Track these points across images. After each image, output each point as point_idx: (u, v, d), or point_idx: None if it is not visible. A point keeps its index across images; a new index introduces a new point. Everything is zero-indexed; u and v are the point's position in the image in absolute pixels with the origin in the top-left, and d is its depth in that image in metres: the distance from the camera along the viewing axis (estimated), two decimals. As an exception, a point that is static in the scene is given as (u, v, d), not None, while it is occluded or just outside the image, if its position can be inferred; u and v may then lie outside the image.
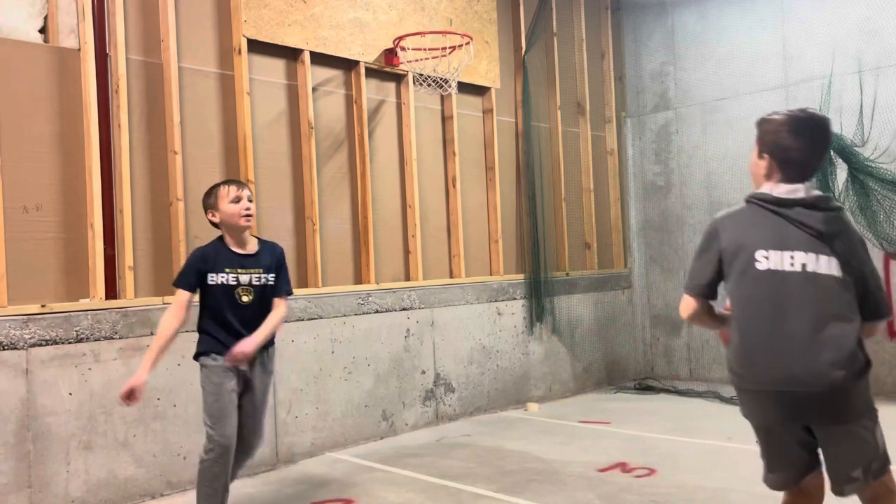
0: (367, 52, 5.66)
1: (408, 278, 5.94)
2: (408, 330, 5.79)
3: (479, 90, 6.59)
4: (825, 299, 2.28)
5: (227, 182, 3.68)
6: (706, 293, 2.47)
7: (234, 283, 3.56)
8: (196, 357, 3.62)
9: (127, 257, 4.40)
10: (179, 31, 4.72)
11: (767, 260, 2.32)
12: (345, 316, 5.37)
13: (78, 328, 4.12)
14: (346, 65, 5.62)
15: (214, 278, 3.52)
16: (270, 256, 3.70)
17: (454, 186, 6.31)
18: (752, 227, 2.39)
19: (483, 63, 6.48)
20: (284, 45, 5.19)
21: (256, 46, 5.07)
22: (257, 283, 3.61)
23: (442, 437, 5.56)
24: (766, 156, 2.45)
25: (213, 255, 3.56)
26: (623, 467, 4.58)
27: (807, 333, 2.28)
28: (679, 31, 7.64)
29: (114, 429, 4.22)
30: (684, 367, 7.59)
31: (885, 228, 6.11)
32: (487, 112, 6.65)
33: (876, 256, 6.35)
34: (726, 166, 7.20)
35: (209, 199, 3.65)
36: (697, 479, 4.28)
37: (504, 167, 6.76)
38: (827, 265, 2.29)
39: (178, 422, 4.46)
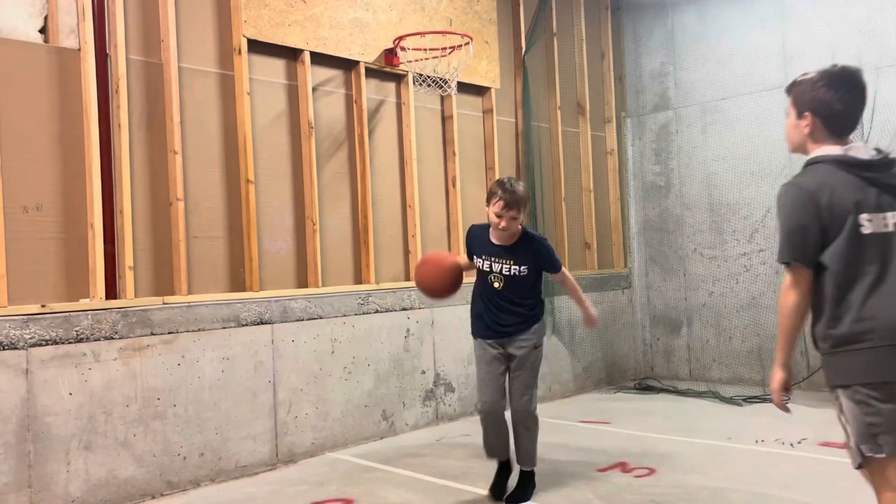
0: (367, 52, 5.66)
1: (408, 278, 5.94)
2: (408, 330, 5.79)
3: (479, 90, 6.59)
4: None
5: (503, 194, 3.85)
6: (814, 263, 2.36)
7: (488, 269, 4.01)
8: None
9: (127, 257, 4.40)
10: (179, 31, 4.72)
11: (871, 223, 2.30)
12: (345, 316, 5.37)
13: (78, 328, 4.12)
14: (346, 65, 5.62)
15: (477, 261, 4.04)
16: (526, 249, 3.98)
17: (454, 186, 6.31)
18: (846, 190, 2.33)
19: (483, 63, 6.48)
20: (284, 45, 5.19)
21: (256, 46, 5.07)
22: (507, 273, 3.97)
23: (442, 437, 5.56)
24: (807, 114, 2.42)
25: (478, 239, 4.07)
26: (623, 467, 4.58)
27: None
28: (679, 31, 7.64)
29: (114, 429, 4.22)
30: (684, 367, 7.59)
31: (885, 228, 6.10)
32: (487, 112, 6.65)
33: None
34: (726, 166, 7.20)
35: (488, 192, 3.99)
36: (697, 479, 4.28)
37: (504, 167, 6.75)
38: None
39: (178, 422, 4.47)
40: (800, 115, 2.45)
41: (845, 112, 2.38)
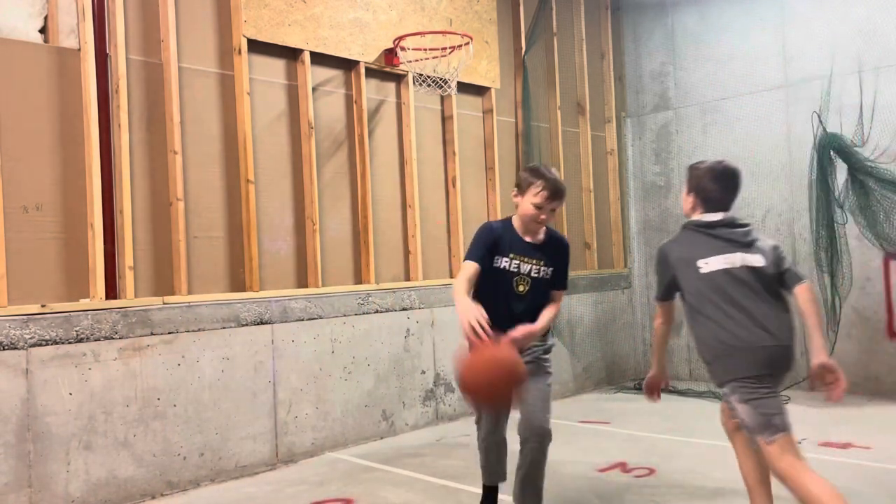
0: (367, 52, 5.66)
1: (408, 278, 5.94)
2: (408, 330, 5.79)
3: (479, 90, 6.59)
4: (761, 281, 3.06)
5: (546, 183, 3.35)
6: (669, 298, 3.34)
7: (515, 270, 3.41)
8: None
9: (127, 257, 4.40)
10: (179, 31, 4.72)
11: (707, 265, 3.07)
12: (345, 316, 5.37)
13: (78, 328, 4.12)
14: (346, 65, 5.62)
15: (499, 261, 3.38)
16: (555, 249, 3.49)
17: (454, 186, 6.31)
18: (693, 244, 3.14)
19: (483, 63, 6.48)
20: (284, 45, 5.19)
21: (256, 46, 5.07)
22: (535, 275, 3.42)
23: (442, 437, 5.56)
24: (692, 194, 3.23)
25: (502, 236, 3.41)
26: (623, 467, 4.58)
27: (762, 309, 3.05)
28: (679, 32, 7.64)
29: (114, 429, 4.22)
30: (684, 367, 7.59)
31: (884, 228, 6.11)
32: (487, 112, 6.64)
33: (875, 256, 6.37)
34: (726, 166, 7.19)
35: (522, 180, 3.44)
36: (697, 479, 4.28)
37: (504, 167, 6.75)
38: (752, 259, 3.06)
39: (178, 422, 4.47)
40: (688, 193, 3.25)
41: (717, 199, 3.16)
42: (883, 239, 6.14)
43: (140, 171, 4.54)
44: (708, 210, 3.18)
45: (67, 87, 4.29)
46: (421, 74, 5.69)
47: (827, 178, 6.35)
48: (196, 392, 4.56)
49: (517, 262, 3.41)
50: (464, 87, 6.31)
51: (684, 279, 3.12)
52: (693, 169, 3.30)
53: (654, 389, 3.50)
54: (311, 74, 5.34)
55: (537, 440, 3.44)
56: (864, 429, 5.27)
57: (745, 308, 2.98)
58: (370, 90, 5.76)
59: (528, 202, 3.36)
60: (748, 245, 3.08)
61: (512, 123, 6.89)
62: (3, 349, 3.86)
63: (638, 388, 7.19)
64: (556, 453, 4.95)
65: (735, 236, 3.11)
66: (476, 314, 2.95)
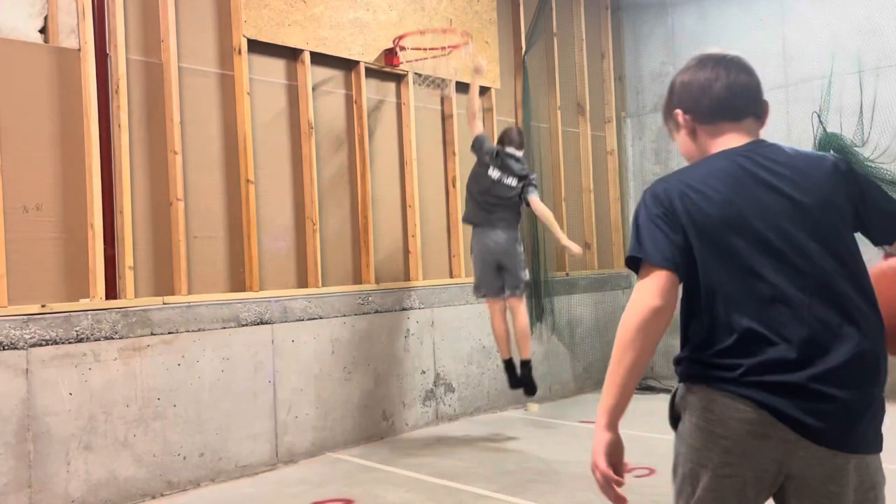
0: (367, 52, 5.66)
1: (408, 278, 5.94)
2: (408, 330, 5.79)
3: (480, 90, 6.57)
4: None
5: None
6: None
7: None
8: None
9: (127, 257, 4.40)
10: (179, 31, 4.72)
11: None
12: (345, 316, 5.37)
13: (78, 328, 4.12)
14: (346, 65, 5.62)
15: None
16: None
17: (454, 186, 6.30)
18: None
19: (483, 63, 6.47)
20: (284, 45, 5.19)
21: (256, 46, 5.06)
22: None
23: (442, 437, 5.56)
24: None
25: None
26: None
27: None
28: (679, 32, 7.64)
29: (114, 429, 4.22)
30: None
31: (885, 228, 6.11)
32: (487, 112, 6.64)
33: (875, 256, 6.35)
34: (726, 166, 7.19)
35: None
36: (697, 479, 4.28)
37: (504, 167, 6.74)
38: None
39: (178, 422, 4.46)
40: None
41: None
42: (883, 239, 6.14)
43: (140, 171, 4.54)
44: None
45: (67, 87, 4.29)
46: (420, 74, 5.69)
47: (827, 178, 6.35)
48: (196, 392, 4.56)
49: None
50: (464, 87, 6.31)
51: None
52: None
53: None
54: (311, 74, 5.34)
55: None
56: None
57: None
58: (370, 90, 5.76)
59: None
60: None
61: (512, 123, 6.88)
62: (3, 349, 3.86)
63: (638, 389, 7.17)
64: (556, 453, 4.96)
65: None
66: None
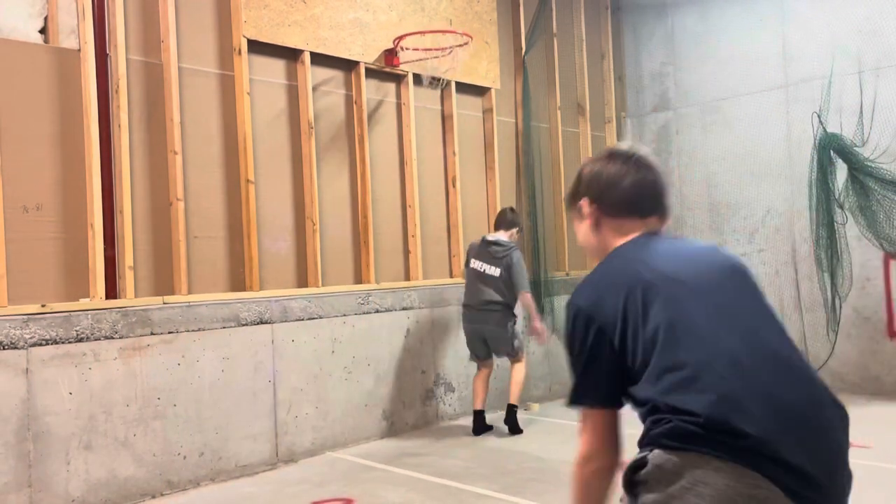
0: (367, 53, 5.66)
1: (408, 278, 5.94)
2: (408, 330, 5.79)
3: (479, 90, 6.59)
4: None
5: None
6: None
7: None
8: None
9: (127, 257, 4.40)
10: (179, 31, 4.72)
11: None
12: (345, 316, 5.37)
13: (78, 328, 4.12)
14: (346, 65, 5.62)
15: None
16: None
17: (454, 186, 6.31)
18: None
19: (483, 63, 6.48)
20: (284, 45, 5.20)
21: (256, 47, 5.07)
22: None
23: (442, 437, 5.56)
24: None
25: None
26: (623, 467, 4.57)
27: None
28: (679, 32, 7.64)
29: (114, 428, 4.22)
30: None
31: (885, 228, 6.11)
32: (487, 112, 6.65)
33: (875, 256, 6.37)
34: (726, 166, 7.20)
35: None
36: (697, 478, 4.27)
37: (504, 167, 6.76)
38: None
39: (178, 422, 4.47)
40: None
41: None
42: (883, 239, 6.14)
43: (140, 171, 4.54)
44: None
45: (67, 87, 4.29)
46: (420, 74, 5.70)
47: (827, 178, 6.35)
48: (196, 392, 4.57)
49: None
50: (464, 87, 6.32)
51: None
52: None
53: None
54: (311, 74, 5.34)
55: None
56: (864, 429, 5.25)
57: None
58: (370, 90, 5.76)
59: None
60: None
61: (512, 123, 6.89)
62: (3, 349, 3.87)
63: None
64: (557, 453, 4.96)
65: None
66: None
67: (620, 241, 1.78)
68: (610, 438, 1.69)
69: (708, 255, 1.76)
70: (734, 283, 1.69)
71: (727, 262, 1.74)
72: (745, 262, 1.78)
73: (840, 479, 1.54)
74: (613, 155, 1.85)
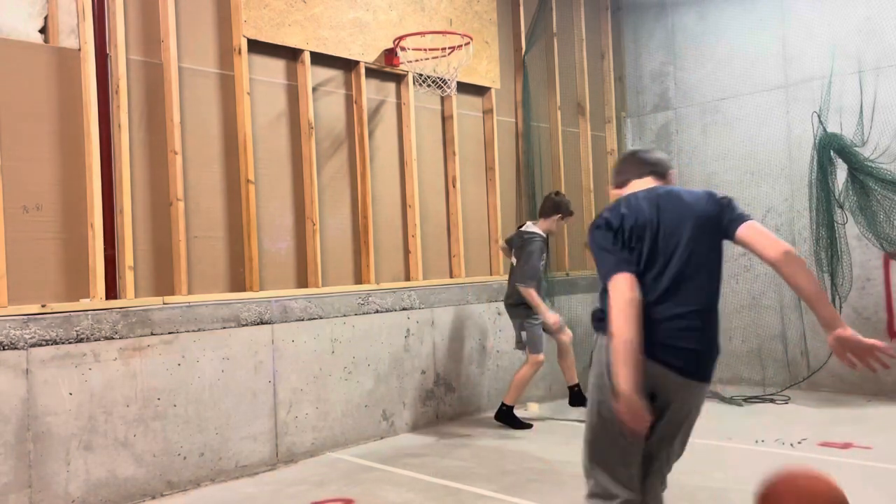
0: (367, 52, 5.66)
1: (408, 278, 5.94)
2: (408, 330, 5.79)
3: (479, 90, 6.59)
4: None
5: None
6: None
7: None
8: None
9: (127, 257, 4.40)
10: (179, 31, 4.72)
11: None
12: (345, 316, 5.37)
13: (78, 328, 4.12)
14: (346, 65, 5.62)
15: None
16: None
17: (454, 186, 6.31)
18: None
19: (483, 63, 6.48)
20: (284, 45, 5.19)
21: (256, 46, 5.07)
22: None
23: (442, 437, 5.56)
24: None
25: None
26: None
27: None
28: (679, 32, 7.64)
29: (114, 429, 4.22)
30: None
31: (885, 228, 6.11)
32: (487, 112, 6.65)
33: (875, 256, 6.37)
34: (726, 166, 7.21)
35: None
36: (697, 479, 4.28)
37: (504, 167, 6.75)
38: None
39: (178, 422, 4.47)
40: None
41: None
42: (883, 239, 6.14)
43: (140, 171, 4.54)
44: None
45: (67, 87, 4.29)
46: (421, 74, 5.69)
47: (827, 178, 6.35)
48: (196, 392, 4.57)
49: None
50: (464, 87, 6.31)
51: None
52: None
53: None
54: (311, 74, 5.34)
55: None
56: (865, 429, 5.27)
57: None
58: (370, 90, 5.76)
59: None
60: None
61: (512, 123, 6.89)
62: (3, 349, 3.87)
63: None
64: (557, 453, 4.96)
65: None
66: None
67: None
68: (637, 286, 2.57)
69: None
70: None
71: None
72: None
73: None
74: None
